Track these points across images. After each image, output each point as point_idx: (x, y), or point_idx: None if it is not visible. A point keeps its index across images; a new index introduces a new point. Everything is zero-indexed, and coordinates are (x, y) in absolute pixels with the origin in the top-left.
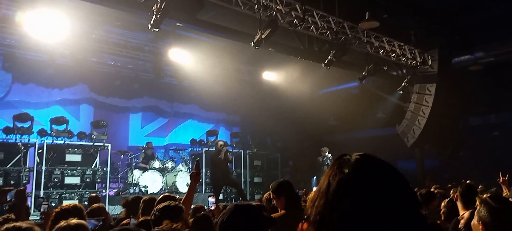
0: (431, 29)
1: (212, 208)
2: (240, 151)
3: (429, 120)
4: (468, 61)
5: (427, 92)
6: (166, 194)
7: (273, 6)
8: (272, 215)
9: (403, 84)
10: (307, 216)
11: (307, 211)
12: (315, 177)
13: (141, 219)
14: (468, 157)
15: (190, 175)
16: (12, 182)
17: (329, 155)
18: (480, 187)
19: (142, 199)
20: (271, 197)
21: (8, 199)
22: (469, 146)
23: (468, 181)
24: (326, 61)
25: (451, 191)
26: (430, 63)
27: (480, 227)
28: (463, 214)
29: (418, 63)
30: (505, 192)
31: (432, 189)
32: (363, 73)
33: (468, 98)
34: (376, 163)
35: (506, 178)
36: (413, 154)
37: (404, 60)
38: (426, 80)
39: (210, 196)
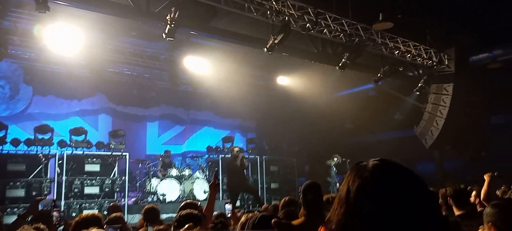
0: (446, 28)
1: (229, 215)
2: (256, 157)
3: (448, 120)
4: (486, 60)
5: (444, 92)
6: (188, 201)
7: (286, 11)
8: (292, 222)
9: (419, 84)
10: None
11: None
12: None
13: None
14: (490, 157)
15: (209, 186)
16: (34, 193)
17: (336, 160)
18: (502, 188)
19: (144, 208)
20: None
21: (40, 208)
22: (491, 146)
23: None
24: (340, 64)
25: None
26: (446, 63)
27: (491, 229)
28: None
29: (435, 63)
30: None
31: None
32: (379, 75)
33: (488, 97)
34: (393, 167)
35: None
36: (432, 156)
37: (420, 60)
38: (443, 80)
39: (227, 203)
